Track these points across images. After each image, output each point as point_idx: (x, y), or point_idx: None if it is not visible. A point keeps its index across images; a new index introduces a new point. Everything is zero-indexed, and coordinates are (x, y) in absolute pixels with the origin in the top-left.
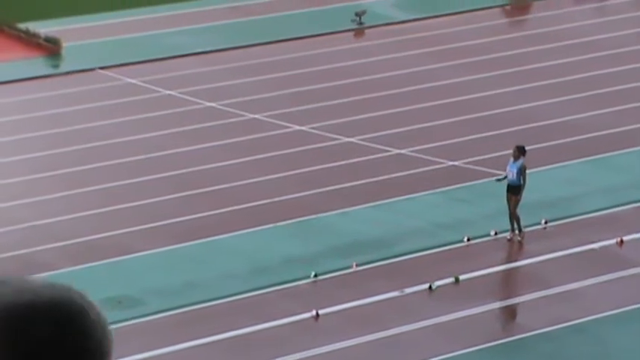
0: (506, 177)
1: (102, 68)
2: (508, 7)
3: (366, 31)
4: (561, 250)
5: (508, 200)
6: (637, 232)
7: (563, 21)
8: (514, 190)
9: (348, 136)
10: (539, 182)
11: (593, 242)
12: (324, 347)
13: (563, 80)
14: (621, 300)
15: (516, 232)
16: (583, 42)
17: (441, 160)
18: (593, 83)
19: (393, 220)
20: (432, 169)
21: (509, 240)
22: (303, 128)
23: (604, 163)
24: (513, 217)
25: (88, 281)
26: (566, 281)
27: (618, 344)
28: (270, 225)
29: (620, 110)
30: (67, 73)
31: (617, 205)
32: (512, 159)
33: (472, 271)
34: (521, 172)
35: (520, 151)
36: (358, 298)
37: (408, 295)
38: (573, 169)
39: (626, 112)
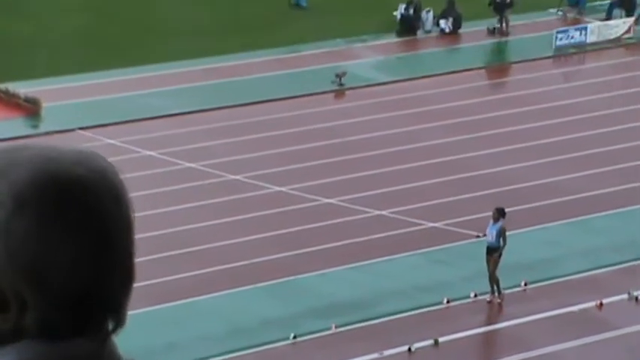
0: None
1: (82, 129)
2: (488, 70)
3: (347, 92)
4: (541, 312)
5: (487, 262)
6: (616, 294)
7: (541, 84)
8: (493, 252)
9: (327, 197)
10: (519, 244)
11: (572, 305)
12: None
13: (542, 143)
14: None
15: (496, 294)
16: (561, 105)
17: (421, 222)
18: (572, 146)
19: (373, 282)
20: (412, 231)
21: (489, 302)
22: (283, 189)
23: (583, 225)
24: (492, 279)
25: None
26: (546, 344)
27: None
28: (249, 286)
29: (598, 173)
30: (47, 133)
31: (597, 268)
32: (492, 221)
33: (452, 333)
34: (501, 234)
35: (500, 213)
36: None
37: (387, 357)
38: (552, 232)
39: (604, 174)
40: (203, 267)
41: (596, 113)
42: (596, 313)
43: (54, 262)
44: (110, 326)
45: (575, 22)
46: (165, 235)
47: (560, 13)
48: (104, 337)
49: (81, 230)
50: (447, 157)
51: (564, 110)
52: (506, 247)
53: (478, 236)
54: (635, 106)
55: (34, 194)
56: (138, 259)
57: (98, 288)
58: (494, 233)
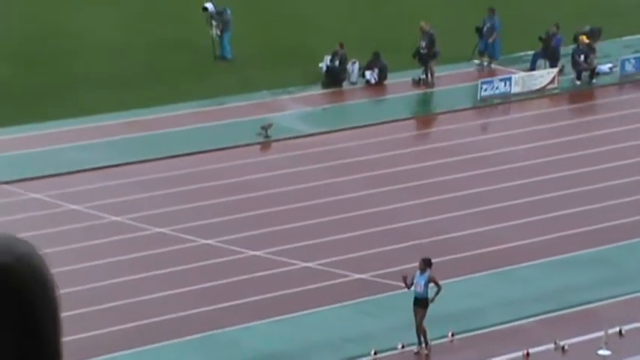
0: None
1: (4, 183)
2: (413, 120)
3: (272, 144)
4: None
5: (415, 313)
6: (542, 344)
7: (466, 134)
8: (421, 303)
9: (253, 250)
10: (445, 295)
11: (499, 355)
12: None
13: (466, 193)
14: None
15: (423, 345)
16: (485, 155)
17: (348, 273)
18: (495, 197)
19: (300, 334)
20: (339, 282)
21: (416, 353)
22: (210, 242)
23: (506, 275)
24: (420, 330)
25: None
26: None
27: None
28: (173, 340)
29: (521, 223)
30: None
31: (522, 318)
32: (418, 272)
33: None
34: (431, 282)
35: (426, 264)
36: None
37: None
38: (477, 282)
39: (526, 225)
40: (125, 322)
41: (519, 164)
42: None
43: None
44: None
45: (492, 72)
46: (88, 289)
47: (476, 62)
48: None
49: (7, 313)
50: (372, 209)
51: (488, 161)
52: (440, 292)
53: (405, 280)
54: (558, 156)
55: None
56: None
57: None
58: (422, 283)
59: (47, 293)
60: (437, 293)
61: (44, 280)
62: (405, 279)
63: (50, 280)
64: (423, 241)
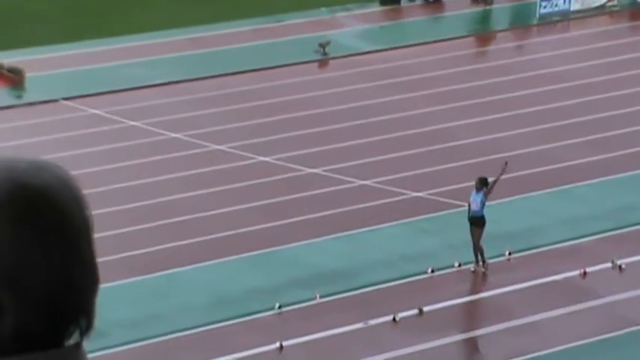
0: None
1: (65, 99)
2: (472, 38)
3: (330, 61)
4: (525, 281)
5: (471, 232)
6: (600, 263)
7: (525, 52)
8: (478, 222)
9: (311, 167)
10: (503, 213)
11: (556, 274)
12: None
13: (525, 112)
14: (584, 332)
15: (480, 263)
16: (546, 73)
17: (405, 191)
18: (555, 115)
19: (357, 252)
20: (396, 200)
21: (473, 272)
22: (267, 159)
23: (566, 194)
24: (477, 249)
25: None
26: (530, 313)
27: None
28: (234, 257)
29: (581, 142)
30: (31, 104)
31: (580, 237)
32: (474, 190)
33: (436, 302)
34: (484, 199)
35: (482, 183)
36: (322, 330)
37: (371, 327)
38: (536, 201)
39: (586, 143)
40: (187, 238)
41: (579, 82)
42: (580, 282)
43: (27, 263)
44: (82, 328)
45: None
46: (149, 205)
47: None
48: (78, 342)
49: (51, 232)
50: (430, 127)
51: (547, 79)
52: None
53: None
54: (618, 75)
55: (5, 199)
56: (123, 230)
57: (69, 288)
58: (479, 201)
59: (82, 212)
60: (484, 220)
61: (79, 199)
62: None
63: (84, 201)
64: (482, 159)
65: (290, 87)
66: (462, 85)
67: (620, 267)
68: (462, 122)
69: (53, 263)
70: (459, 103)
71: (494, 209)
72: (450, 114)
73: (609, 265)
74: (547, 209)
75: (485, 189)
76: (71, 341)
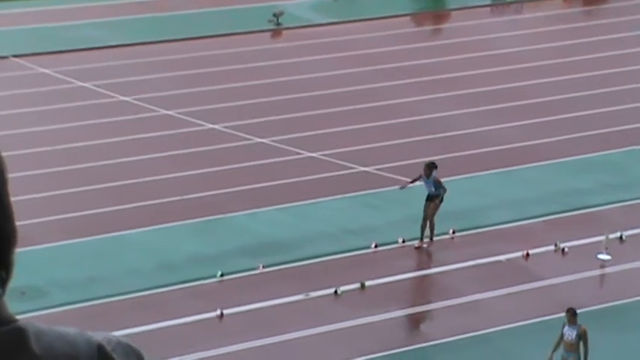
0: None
1: (15, 56)
2: (425, 15)
3: (283, 32)
4: (468, 260)
5: (425, 208)
6: (542, 245)
7: (479, 32)
8: (433, 199)
9: (260, 137)
10: (448, 192)
11: (499, 254)
12: (226, 347)
13: (475, 91)
14: (525, 312)
15: (428, 240)
16: (498, 54)
17: (352, 165)
18: (505, 96)
19: (302, 224)
20: (343, 174)
21: (417, 248)
22: (216, 127)
23: (511, 175)
24: (430, 225)
25: None
26: (472, 292)
27: (520, 356)
28: (178, 222)
29: (529, 124)
30: None
31: (524, 219)
32: (424, 177)
33: (379, 277)
34: (438, 183)
35: (430, 168)
36: (263, 300)
37: (313, 299)
38: (482, 181)
39: (534, 126)
40: (132, 201)
41: (531, 64)
42: (522, 263)
43: None
44: (3, 278)
45: None
46: (94, 167)
47: None
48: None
49: None
50: (380, 102)
51: (500, 59)
52: (446, 192)
53: (402, 187)
54: (569, 59)
55: None
56: (66, 191)
57: None
58: (431, 186)
59: (1, 163)
60: (443, 192)
61: None
62: (402, 188)
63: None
64: (430, 136)
65: (241, 55)
66: (414, 62)
67: (563, 250)
68: (412, 99)
69: None
70: (410, 80)
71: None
72: (401, 90)
73: (552, 247)
74: (493, 190)
75: (434, 171)
76: None
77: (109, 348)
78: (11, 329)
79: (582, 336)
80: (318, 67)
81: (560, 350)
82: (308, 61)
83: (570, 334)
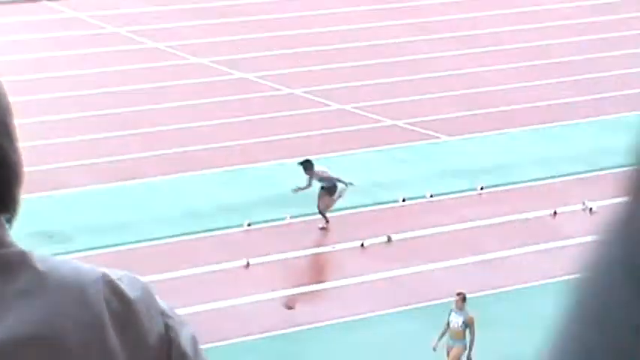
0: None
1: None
2: None
3: None
4: (495, 216)
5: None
6: (570, 204)
7: None
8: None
9: (292, 88)
10: (477, 148)
11: (527, 211)
12: (252, 296)
13: (509, 48)
14: (550, 271)
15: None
16: (532, 10)
17: (382, 119)
18: (539, 53)
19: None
20: (372, 127)
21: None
22: (248, 76)
23: (543, 133)
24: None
25: (21, 212)
26: (498, 248)
27: (543, 314)
28: (206, 171)
29: (561, 82)
30: (12, 2)
31: (553, 177)
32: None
33: (405, 231)
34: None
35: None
36: (289, 250)
37: (338, 251)
38: (511, 138)
39: (565, 84)
40: (161, 148)
41: (567, 21)
42: (549, 221)
43: None
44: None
45: None
46: (124, 113)
47: None
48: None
49: None
50: (411, 57)
51: (533, 17)
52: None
53: (300, 189)
54: (608, 17)
55: None
56: (94, 135)
57: (4, 169)
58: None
59: (5, 94)
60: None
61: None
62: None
63: (2, 90)
64: (462, 92)
65: (276, 5)
66: (448, 17)
67: (590, 209)
68: (444, 54)
69: None
70: (443, 35)
71: (469, 143)
72: (432, 44)
73: (580, 206)
74: (523, 147)
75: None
76: None
77: (114, 277)
78: (15, 250)
79: (469, 324)
80: (350, 19)
81: (446, 337)
82: (341, 13)
83: (457, 320)
